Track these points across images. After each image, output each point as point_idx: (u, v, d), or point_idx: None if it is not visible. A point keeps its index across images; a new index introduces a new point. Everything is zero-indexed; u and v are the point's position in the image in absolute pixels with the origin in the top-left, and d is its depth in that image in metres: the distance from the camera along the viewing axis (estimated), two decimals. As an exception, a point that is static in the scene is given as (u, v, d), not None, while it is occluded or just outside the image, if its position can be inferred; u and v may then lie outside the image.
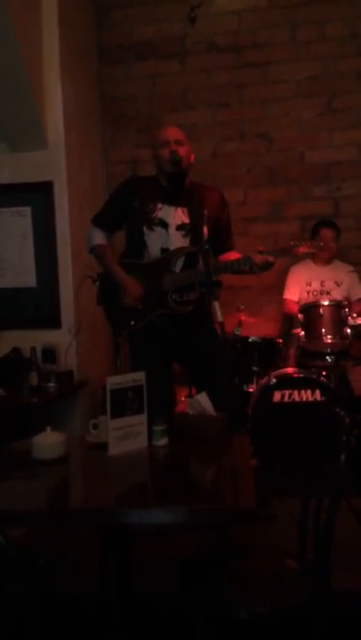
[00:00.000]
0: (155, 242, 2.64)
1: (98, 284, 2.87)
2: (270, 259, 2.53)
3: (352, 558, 2.18)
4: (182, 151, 2.62)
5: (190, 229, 2.62)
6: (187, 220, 2.64)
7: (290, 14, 4.24)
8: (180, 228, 2.63)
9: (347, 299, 3.73)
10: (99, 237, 2.78)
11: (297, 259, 4.01)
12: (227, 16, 4.31)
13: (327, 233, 3.79)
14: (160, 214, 2.64)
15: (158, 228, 2.64)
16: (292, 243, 2.65)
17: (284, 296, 3.97)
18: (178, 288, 2.60)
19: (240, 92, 4.34)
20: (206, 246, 2.38)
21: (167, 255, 2.63)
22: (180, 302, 2.62)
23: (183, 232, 2.64)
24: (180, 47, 4.38)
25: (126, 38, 4.44)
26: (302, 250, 2.64)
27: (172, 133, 2.66)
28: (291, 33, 4.26)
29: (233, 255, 2.68)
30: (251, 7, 4.29)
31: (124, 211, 2.72)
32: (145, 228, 2.64)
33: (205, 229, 2.50)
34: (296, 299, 3.89)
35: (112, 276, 2.69)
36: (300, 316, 3.52)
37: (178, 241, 2.63)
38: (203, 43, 4.35)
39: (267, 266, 2.56)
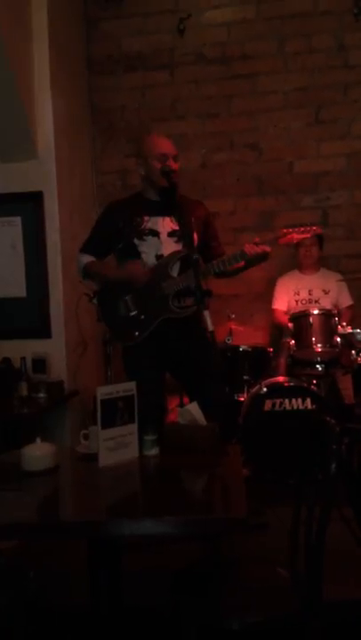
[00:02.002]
0: (149, 250, 2.63)
1: (96, 301, 2.84)
2: (267, 248, 2.53)
3: (344, 567, 2.18)
4: (177, 167, 2.63)
5: (181, 235, 2.62)
6: (176, 227, 2.64)
7: (278, 26, 4.29)
8: (171, 234, 2.63)
9: (336, 306, 3.76)
10: (86, 258, 2.75)
11: (284, 269, 4.05)
12: (215, 28, 4.36)
13: (306, 239, 3.85)
14: (149, 225, 2.64)
15: (150, 237, 2.63)
16: (285, 230, 2.60)
17: (273, 306, 3.99)
18: (177, 293, 2.60)
19: (229, 102, 4.38)
20: (195, 256, 2.39)
21: (163, 261, 2.62)
22: (181, 307, 2.61)
23: (175, 238, 2.63)
24: (169, 58, 4.42)
25: (115, 50, 4.47)
26: (297, 237, 2.59)
27: (170, 147, 2.64)
28: (279, 45, 4.31)
29: None
30: (239, 19, 4.33)
31: (110, 233, 2.70)
32: (136, 240, 2.63)
33: (195, 236, 2.50)
34: (285, 309, 3.92)
35: (112, 279, 2.66)
36: (290, 324, 3.53)
37: (171, 247, 2.63)
38: (192, 54, 4.39)
39: (264, 256, 2.56)
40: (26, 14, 3.45)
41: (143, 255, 2.64)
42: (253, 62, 4.32)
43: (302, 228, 2.60)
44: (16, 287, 3.66)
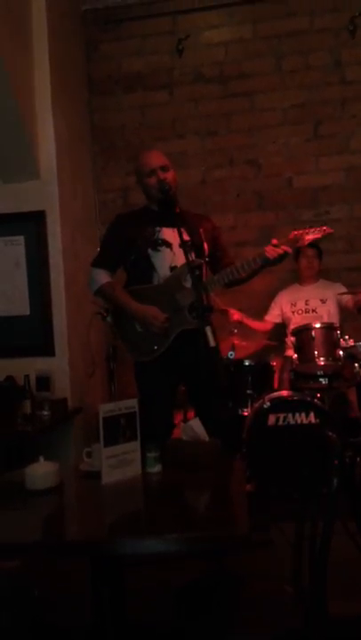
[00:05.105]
0: (163, 262, 2.64)
1: (110, 319, 2.84)
2: (288, 249, 2.55)
3: (349, 582, 2.17)
4: (170, 177, 2.65)
5: (193, 245, 2.62)
6: (187, 238, 2.65)
7: (274, 45, 4.36)
8: (183, 245, 2.61)
9: (336, 315, 3.79)
10: (103, 277, 2.73)
11: (285, 283, 4.08)
12: (213, 47, 4.43)
13: (308, 251, 3.90)
14: (161, 235, 2.66)
15: (163, 248, 2.65)
16: (296, 233, 2.61)
17: (265, 317, 4.06)
18: (192, 304, 2.56)
19: (228, 120, 4.44)
20: (197, 272, 2.40)
21: (176, 272, 2.62)
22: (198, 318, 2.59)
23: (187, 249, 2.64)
24: (168, 78, 4.49)
25: (115, 70, 4.54)
26: (308, 238, 2.59)
27: (156, 159, 2.68)
28: (276, 63, 4.38)
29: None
30: (236, 38, 4.40)
31: (122, 245, 2.70)
32: (150, 250, 2.64)
33: (205, 245, 2.51)
34: (277, 320, 4.02)
35: (128, 311, 2.65)
36: (292, 338, 3.55)
37: (184, 257, 2.63)
38: (190, 74, 4.46)
39: (284, 256, 2.57)
40: (27, 35, 3.52)
41: (157, 268, 2.64)
42: (251, 80, 4.39)
43: (312, 229, 2.61)
44: (20, 305, 3.68)
